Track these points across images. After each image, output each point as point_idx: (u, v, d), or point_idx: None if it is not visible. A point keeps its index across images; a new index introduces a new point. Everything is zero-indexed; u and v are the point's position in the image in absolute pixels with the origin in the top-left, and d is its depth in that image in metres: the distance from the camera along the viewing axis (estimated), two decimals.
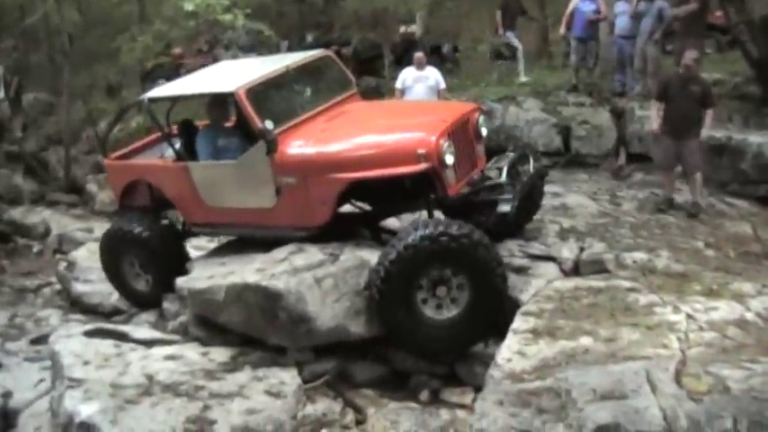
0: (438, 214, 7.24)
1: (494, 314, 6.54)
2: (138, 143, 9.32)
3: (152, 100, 8.19)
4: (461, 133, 7.21)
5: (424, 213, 7.19)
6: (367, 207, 7.86)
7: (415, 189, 7.07)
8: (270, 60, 8.88)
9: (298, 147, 7.21)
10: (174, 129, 8.39)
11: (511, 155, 7.58)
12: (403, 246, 6.34)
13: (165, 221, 8.55)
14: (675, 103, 8.59)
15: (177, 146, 7.97)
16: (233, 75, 8.06)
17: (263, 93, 7.57)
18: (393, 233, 7.64)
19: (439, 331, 6.53)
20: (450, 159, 6.78)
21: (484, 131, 7.56)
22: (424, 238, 6.32)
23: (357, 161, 6.94)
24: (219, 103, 8.05)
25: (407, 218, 8.02)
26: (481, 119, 7.54)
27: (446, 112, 7.45)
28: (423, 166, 6.70)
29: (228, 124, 8.39)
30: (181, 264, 8.27)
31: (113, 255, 8.58)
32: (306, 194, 7.14)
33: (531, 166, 7.60)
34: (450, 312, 6.53)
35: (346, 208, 7.72)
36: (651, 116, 9.09)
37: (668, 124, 8.71)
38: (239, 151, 7.64)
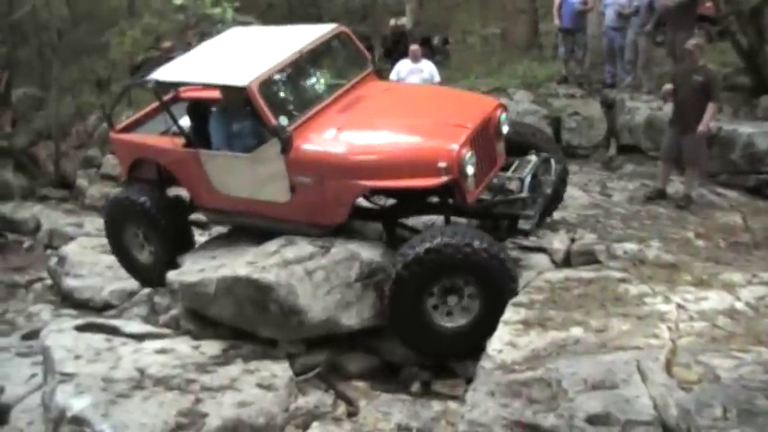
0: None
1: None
2: (141, 113, 9.00)
3: (160, 83, 7.74)
4: (483, 135, 6.91)
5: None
6: (381, 201, 7.68)
7: (434, 193, 6.94)
8: (282, 33, 8.27)
9: (313, 144, 6.93)
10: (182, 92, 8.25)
11: (533, 160, 7.29)
12: (415, 256, 6.22)
13: (172, 194, 8.37)
14: (680, 92, 8.53)
15: (187, 128, 7.71)
16: (245, 58, 7.60)
17: (276, 83, 7.28)
18: (409, 229, 7.60)
19: (452, 339, 6.46)
20: (471, 170, 6.54)
21: (505, 129, 7.23)
22: (447, 245, 6.18)
23: (376, 167, 6.70)
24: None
25: None
26: (503, 117, 7.21)
27: (470, 112, 7.08)
28: (443, 179, 6.47)
29: None
30: (184, 238, 8.21)
31: (118, 223, 8.38)
32: (322, 194, 6.93)
33: (553, 171, 7.42)
34: (462, 320, 6.44)
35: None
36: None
37: (674, 114, 8.70)
38: (253, 136, 7.38)
